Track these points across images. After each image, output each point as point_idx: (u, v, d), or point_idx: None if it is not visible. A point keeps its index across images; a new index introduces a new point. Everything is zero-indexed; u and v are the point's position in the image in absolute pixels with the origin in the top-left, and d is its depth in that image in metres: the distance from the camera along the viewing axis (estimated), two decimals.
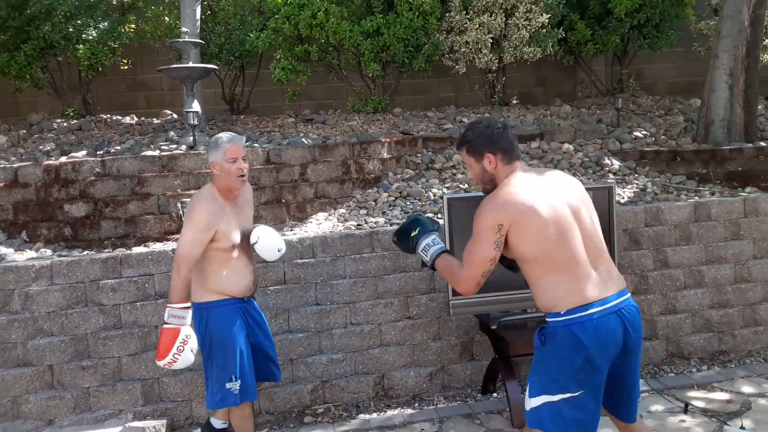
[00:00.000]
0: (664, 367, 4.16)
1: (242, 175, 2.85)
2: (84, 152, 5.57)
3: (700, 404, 3.59)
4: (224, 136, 2.86)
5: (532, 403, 2.27)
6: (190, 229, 2.75)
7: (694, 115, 6.69)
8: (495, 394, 3.91)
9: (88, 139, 6.22)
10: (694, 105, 7.13)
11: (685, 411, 3.50)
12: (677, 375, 4.04)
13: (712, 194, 5.00)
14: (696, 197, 4.88)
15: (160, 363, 2.73)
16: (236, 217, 2.92)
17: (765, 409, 3.49)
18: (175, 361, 2.71)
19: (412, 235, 2.51)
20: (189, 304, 2.76)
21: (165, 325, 2.71)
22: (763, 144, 5.72)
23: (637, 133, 6.26)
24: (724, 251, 4.41)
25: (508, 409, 3.57)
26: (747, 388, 3.77)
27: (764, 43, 6.90)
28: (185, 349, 2.71)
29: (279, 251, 3.09)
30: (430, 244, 2.46)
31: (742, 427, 3.27)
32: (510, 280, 3.72)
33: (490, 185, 2.34)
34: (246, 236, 2.96)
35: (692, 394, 3.74)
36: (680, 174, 5.49)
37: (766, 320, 4.43)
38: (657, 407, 3.60)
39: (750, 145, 5.67)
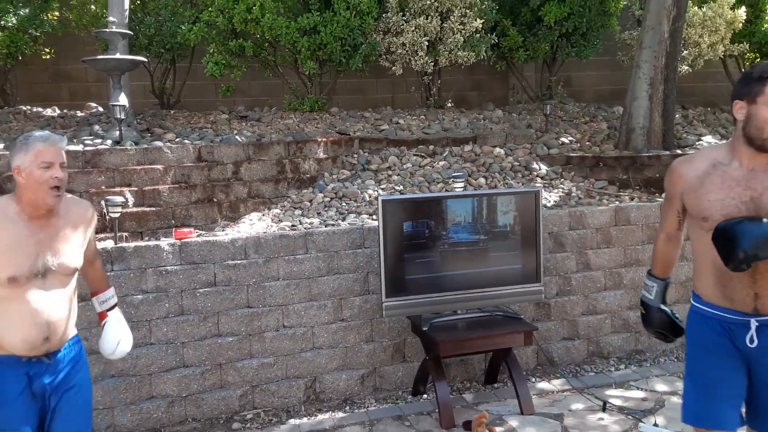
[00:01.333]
0: (585, 366, 4.35)
1: (56, 187, 2.14)
2: (1, 146, 5.25)
3: (618, 402, 3.78)
4: (36, 133, 2.21)
5: None
6: None
7: (617, 122, 7.00)
8: (425, 396, 3.97)
9: (6, 131, 5.87)
10: (617, 112, 7.46)
11: (604, 409, 3.67)
12: (597, 374, 4.23)
13: (632, 199, 5.26)
14: (617, 202, 5.12)
15: None
16: (45, 243, 2.17)
17: (677, 406, 3.71)
18: None
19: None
20: None
21: None
22: (679, 152, 6.06)
23: (564, 139, 6.51)
24: (641, 254, 4.65)
25: (437, 410, 3.64)
26: (661, 387, 4.00)
27: (682, 54, 7.31)
28: None
29: (117, 344, 2.49)
30: None
31: (655, 424, 3.47)
32: (442, 282, 3.80)
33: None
34: (50, 272, 2.17)
35: (610, 392, 3.93)
36: (603, 179, 5.74)
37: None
38: (577, 405, 3.76)
39: (667, 152, 5.99)
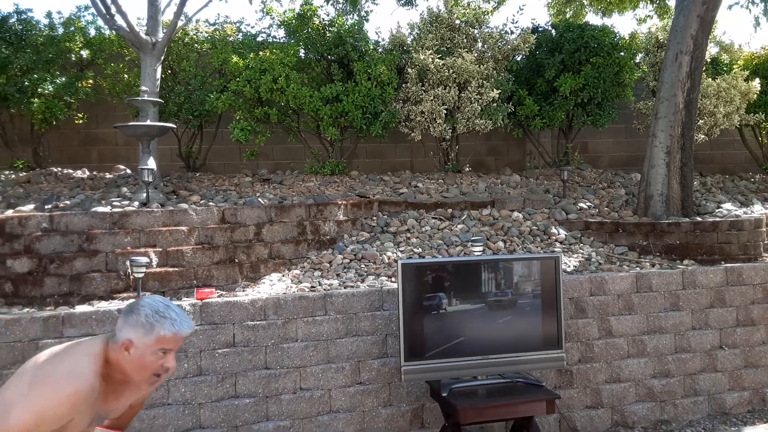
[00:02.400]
0: None
1: (159, 375, 1.97)
2: (31, 206, 5.43)
3: None
4: (168, 314, 1.94)
5: None
6: (36, 413, 1.76)
7: (634, 188, 7.05)
8: None
9: (37, 192, 6.08)
10: (635, 178, 7.53)
11: None
12: None
13: (653, 266, 5.23)
14: (637, 268, 5.10)
15: None
16: (102, 406, 1.98)
17: None
18: None
19: None
20: None
21: None
22: (699, 219, 6.06)
23: (582, 204, 6.55)
24: (664, 321, 4.58)
25: None
26: None
27: (698, 123, 7.43)
28: None
29: None
30: None
31: None
32: (462, 347, 3.77)
33: None
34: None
35: None
36: (622, 245, 5.74)
37: (705, 390, 4.57)
38: None
39: (687, 219, 5.99)
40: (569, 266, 5.16)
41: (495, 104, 7.17)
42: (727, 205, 6.68)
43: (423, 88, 7.03)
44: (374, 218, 5.93)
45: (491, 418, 3.81)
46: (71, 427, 1.85)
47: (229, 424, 3.76)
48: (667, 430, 4.33)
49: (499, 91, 7.12)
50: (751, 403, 4.65)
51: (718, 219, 5.86)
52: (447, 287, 3.79)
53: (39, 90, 6.83)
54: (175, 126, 6.63)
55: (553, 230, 5.84)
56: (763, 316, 4.81)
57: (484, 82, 7.05)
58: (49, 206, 5.41)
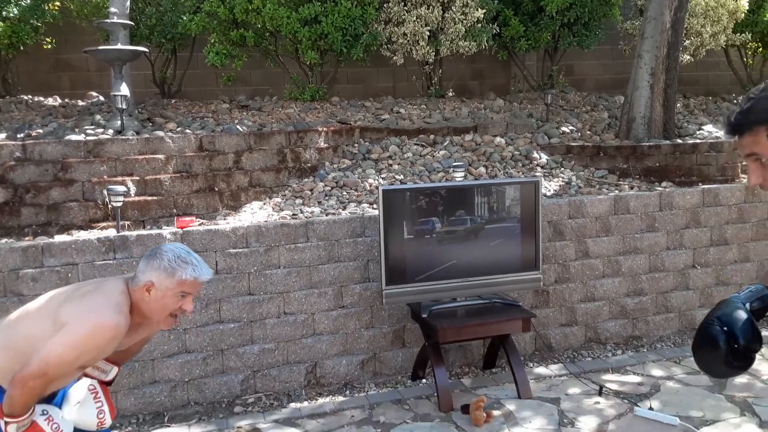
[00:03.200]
0: (582, 351, 4.40)
1: (175, 317, 2.10)
2: (3, 135, 5.29)
3: (614, 387, 3.82)
4: (189, 258, 2.04)
5: None
6: (76, 346, 1.90)
7: (618, 111, 7.01)
8: (424, 380, 4.02)
9: (8, 121, 5.91)
10: (618, 102, 7.47)
11: (600, 393, 3.72)
12: (594, 359, 4.28)
13: (631, 188, 5.28)
14: (616, 191, 5.15)
15: None
16: (127, 343, 2.15)
17: (672, 390, 3.76)
18: None
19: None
20: (32, 409, 1.98)
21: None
22: (679, 141, 6.07)
23: (565, 128, 6.52)
24: (639, 242, 4.68)
25: (435, 394, 3.69)
26: (657, 372, 4.05)
27: (684, 44, 7.30)
28: (59, 422, 2.05)
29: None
30: None
31: (650, 408, 3.52)
32: (442, 270, 3.84)
33: None
34: None
35: (607, 377, 3.98)
36: (603, 168, 5.76)
37: (676, 307, 4.74)
38: (574, 390, 3.81)
39: (667, 142, 6.01)
40: (549, 190, 5.19)
41: (480, 25, 6.97)
42: (709, 127, 6.69)
43: (405, 8, 6.79)
44: (356, 145, 5.87)
45: (469, 336, 3.95)
46: (96, 358, 2.03)
47: (215, 348, 3.85)
48: (638, 345, 4.51)
49: (484, 11, 6.91)
50: None
51: (698, 141, 5.89)
52: (428, 213, 3.81)
53: (3, 14, 6.50)
54: (147, 50, 6.39)
55: (535, 155, 5.84)
56: (736, 236, 4.92)
57: (469, 1, 6.82)
58: (22, 135, 5.28)
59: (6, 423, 1.93)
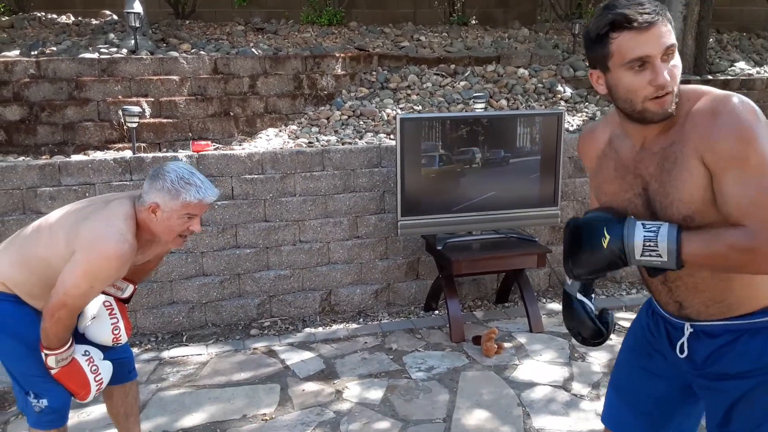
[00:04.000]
0: (597, 290, 4.41)
1: (185, 237, 2.07)
2: (17, 52, 5.20)
3: (626, 324, 3.85)
4: (194, 179, 1.98)
5: None
6: (89, 274, 1.91)
7: None
8: (437, 312, 4.07)
9: (21, 38, 5.79)
10: None
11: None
12: (608, 297, 4.29)
13: None
14: None
15: (89, 398, 2.09)
16: (139, 260, 2.15)
17: None
18: (101, 383, 2.09)
19: (604, 246, 1.38)
20: (70, 342, 2.02)
21: (54, 371, 2.01)
22: (710, 77, 5.85)
23: None
24: None
25: (447, 325, 3.73)
26: None
27: None
28: (98, 364, 2.09)
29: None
30: (650, 237, 1.33)
31: None
32: (458, 203, 3.80)
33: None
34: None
35: (620, 315, 4.00)
36: None
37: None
38: None
39: (698, 77, 5.79)
40: (573, 125, 5.06)
41: None
42: (741, 64, 6.42)
43: None
44: (374, 73, 5.71)
45: (483, 269, 3.95)
46: (110, 282, 2.06)
47: (231, 272, 3.89)
48: None
49: None
50: None
51: (729, 77, 5.67)
52: (446, 144, 3.73)
53: None
54: None
55: (559, 88, 5.66)
56: None
57: None
58: (35, 52, 5.18)
59: (46, 355, 1.97)
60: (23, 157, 4.22)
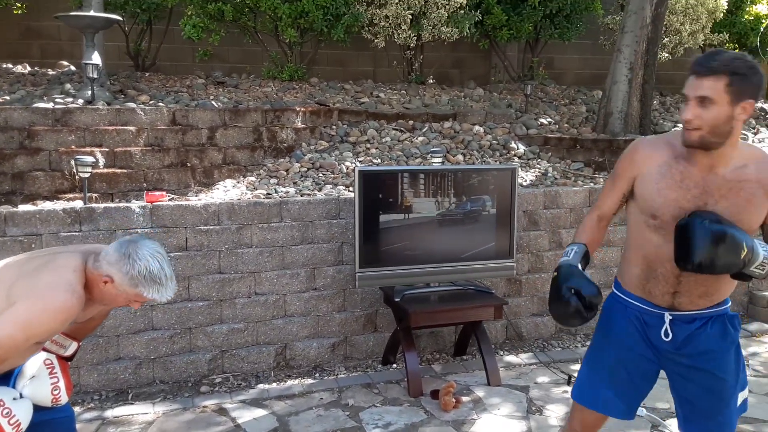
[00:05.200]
0: (552, 341, 4.43)
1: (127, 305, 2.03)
2: None
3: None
4: (161, 277, 1.91)
5: (745, 393, 2.05)
6: (26, 327, 1.78)
7: (595, 105, 7.05)
8: (395, 365, 4.00)
9: None
10: (596, 96, 7.51)
11: (569, 382, 3.74)
12: (564, 349, 4.31)
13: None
14: (591, 183, 5.17)
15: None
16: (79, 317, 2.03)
17: None
18: (18, 426, 1.90)
19: (743, 255, 1.80)
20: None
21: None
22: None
23: (543, 120, 6.53)
24: (612, 235, 4.71)
25: (405, 379, 3.67)
26: None
27: (663, 41, 7.36)
28: (11, 407, 1.91)
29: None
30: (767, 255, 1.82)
31: None
32: (416, 255, 3.81)
33: (720, 139, 1.79)
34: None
35: (576, 367, 4.00)
36: (579, 161, 5.79)
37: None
38: (543, 378, 3.83)
39: (642, 137, 6.06)
40: (526, 180, 5.20)
41: (462, 11, 6.92)
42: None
43: None
44: (334, 127, 5.79)
45: (441, 321, 3.93)
46: (49, 337, 1.93)
47: (183, 326, 3.77)
48: None
49: None
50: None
51: None
52: (404, 197, 3.77)
53: None
54: (121, 18, 6.19)
55: (513, 145, 5.83)
56: None
57: None
58: None
59: None
60: None
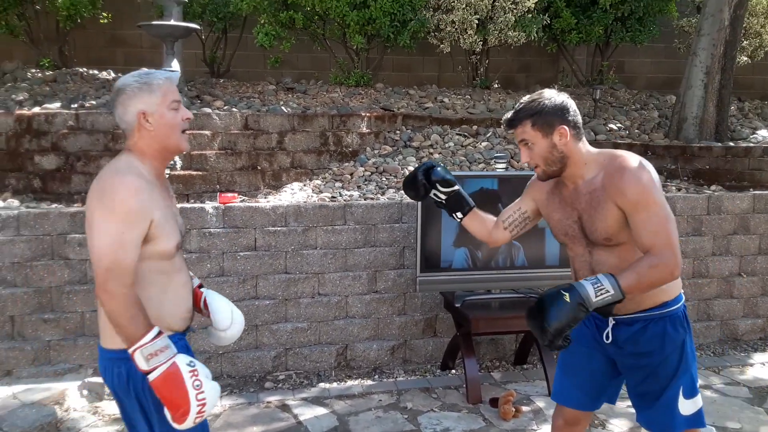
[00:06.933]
0: None
1: (184, 131, 1.90)
2: (58, 104, 5.47)
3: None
4: (152, 71, 1.87)
5: (696, 403, 2.11)
6: (111, 222, 1.68)
7: (668, 111, 6.81)
8: (453, 371, 4.01)
9: (63, 91, 6.09)
10: (669, 101, 7.26)
11: None
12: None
13: (678, 190, 5.13)
14: (663, 192, 5.01)
15: (187, 424, 1.70)
16: (172, 205, 1.94)
17: (709, 400, 3.65)
18: (203, 405, 1.70)
19: (568, 300, 1.83)
20: (156, 330, 1.72)
21: (152, 376, 1.68)
22: (731, 144, 5.87)
23: (612, 126, 6.37)
24: (684, 246, 4.55)
25: (464, 385, 3.68)
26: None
27: (742, 44, 7.03)
28: (203, 380, 1.72)
29: (231, 314, 2.17)
30: (599, 285, 1.85)
31: None
32: (478, 261, 3.82)
33: (558, 166, 2.04)
34: (183, 236, 1.97)
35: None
36: None
37: (719, 316, 4.60)
38: None
39: (719, 144, 5.81)
40: None
41: (530, 15, 6.84)
42: (763, 132, 6.44)
43: None
44: (397, 132, 5.86)
45: (502, 329, 3.91)
46: (155, 226, 1.77)
47: (250, 323, 3.91)
48: None
49: (535, 1, 6.78)
50: (764, 330, 4.68)
51: (751, 144, 5.68)
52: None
53: None
54: (199, 27, 6.49)
55: None
56: None
57: None
58: (75, 105, 5.44)
59: (132, 354, 1.68)
60: (56, 205, 4.38)
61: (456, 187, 2.35)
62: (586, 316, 1.84)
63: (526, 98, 2.07)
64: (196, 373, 1.71)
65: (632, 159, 1.98)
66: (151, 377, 1.68)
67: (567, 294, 1.83)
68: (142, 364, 1.68)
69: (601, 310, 1.89)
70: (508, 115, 2.08)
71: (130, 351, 1.68)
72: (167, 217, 1.82)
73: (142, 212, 1.73)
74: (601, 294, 1.83)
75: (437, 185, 2.34)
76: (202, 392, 1.70)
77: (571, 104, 2.06)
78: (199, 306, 2.10)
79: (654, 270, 1.87)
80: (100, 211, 1.71)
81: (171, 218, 1.85)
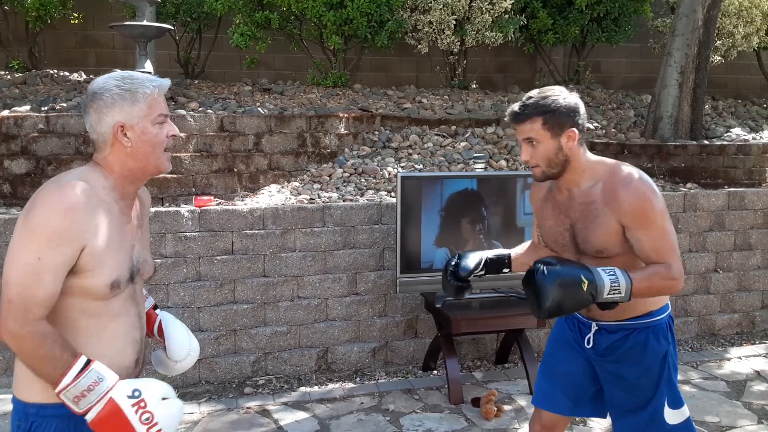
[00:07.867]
0: None
1: (167, 150, 1.63)
2: (28, 107, 5.33)
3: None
4: (138, 77, 1.58)
5: (683, 413, 2.09)
6: (28, 243, 1.41)
7: (644, 110, 6.88)
8: (435, 372, 3.99)
9: (33, 94, 5.95)
10: (645, 101, 7.34)
11: None
12: None
13: None
14: None
15: None
16: (130, 234, 1.61)
17: (688, 395, 3.69)
18: None
19: (584, 290, 1.78)
20: (82, 362, 1.43)
21: (89, 418, 1.43)
22: (706, 142, 5.95)
23: (589, 125, 6.41)
24: None
25: (446, 386, 3.66)
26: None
27: (715, 44, 7.14)
28: (152, 411, 1.46)
29: (189, 343, 1.91)
30: (616, 284, 1.80)
31: None
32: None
33: (559, 169, 1.97)
34: (140, 274, 1.66)
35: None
36: None
37: (696, 311, 4.65)
38: None
39: (694, 142, 5.88)
40: None
41: (507, 16, 6.87)
42: (737, 130, 6.54)
43: None
44: (376, 133, 5.83)
45: (483, 329, 3.91)
46: (89, 255, 1.46)
47: (228, 328, 3.85)
48: None
49: (512, 1, 6.80)
50: (741, 325, 4.74)
51: (725, 143, 5.76)
52: (445, 202, 3.77)
53: None
54: (172, 27, 6.39)
55: None
56: (760, 241, 4.82)
57: None
58: (46, 108, 5.31)
59: (58, 394, 1.43)
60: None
61: (482, 260, 2.27)
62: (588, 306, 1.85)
63: (535, 92, 1.98)
64: (142, 404, 1.45)
65: (633, 172, 1.95)
66: (88, 418, 1.43)
67: (586, 283, 1.77)
68: (73, 407, 1.44)
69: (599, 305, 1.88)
70: (515, 107, 1.95)
71: (57, 392, 1.42)
72: (114, 247, 1.50)
73: (70, 234, 1.42)
74: (613, 293, 1.80)
75: (471, 276, 2.27)
76: (154, 425, 1.45)
77: (582, 106, 2.00)
78: (151, 330, 1.85)
79: (665, 282, 1.86)
80: (20, 229, 1.44)
81: (120, 250, 1.53)
